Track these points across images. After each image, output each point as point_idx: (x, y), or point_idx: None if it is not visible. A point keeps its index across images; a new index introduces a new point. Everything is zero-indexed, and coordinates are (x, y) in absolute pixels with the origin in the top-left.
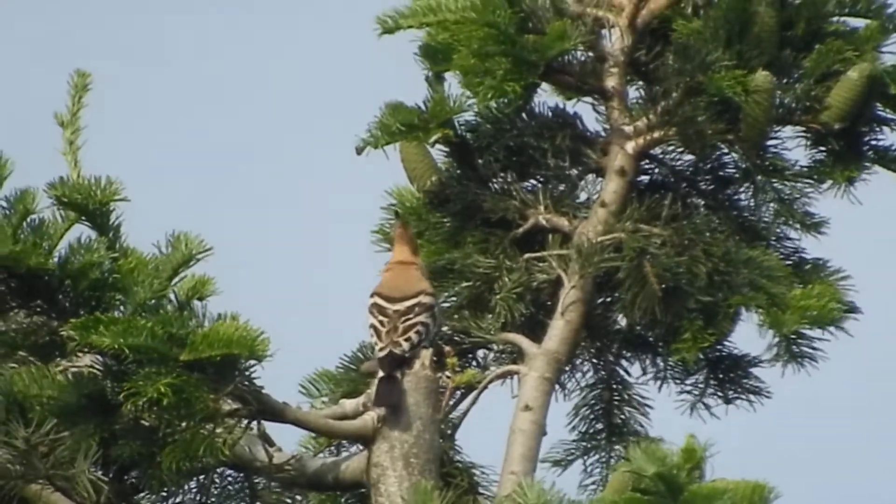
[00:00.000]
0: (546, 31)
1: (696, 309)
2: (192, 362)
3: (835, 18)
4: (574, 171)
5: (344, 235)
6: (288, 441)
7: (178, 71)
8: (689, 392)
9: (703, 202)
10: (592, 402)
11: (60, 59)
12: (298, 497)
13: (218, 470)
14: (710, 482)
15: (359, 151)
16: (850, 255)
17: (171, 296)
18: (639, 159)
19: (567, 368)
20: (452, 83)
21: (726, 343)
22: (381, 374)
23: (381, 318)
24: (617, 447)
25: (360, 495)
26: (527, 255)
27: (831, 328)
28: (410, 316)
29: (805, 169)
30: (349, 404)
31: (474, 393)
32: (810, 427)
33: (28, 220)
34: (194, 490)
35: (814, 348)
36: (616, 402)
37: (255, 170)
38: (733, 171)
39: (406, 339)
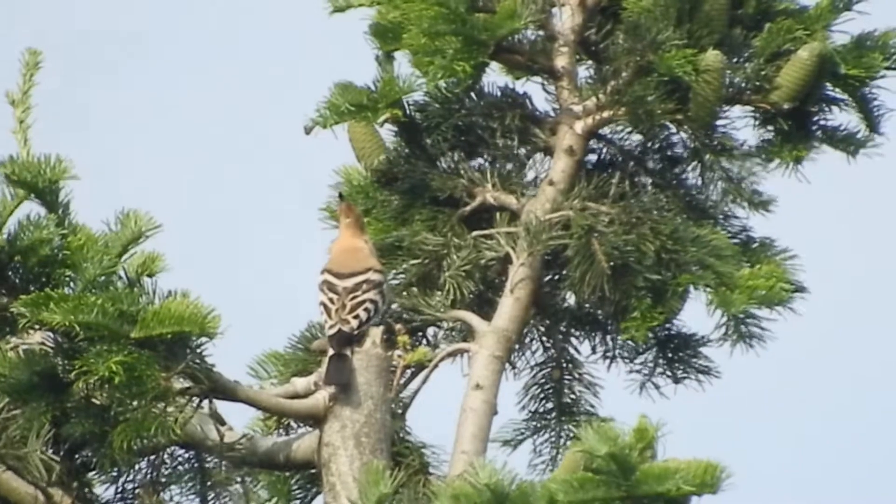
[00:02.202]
0: (496, 10)
1: (645, 287)
2: (143, 340)
3: None
4: (522, 151)
5: (289, 214)
6: (239, 420)
7: (133, 53)
8: (638, 371)
9: (650, 181)
10: (542, 380)
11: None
12: (248, 477)
13: (169, 449)
14: (661, 462)
15: (307, 131)
16: (797, 233)
17: (121, 273)
18: (587, 139)
19: (517, 347)
20: (402, 62)
21: (676, 322)
22: (330, 352)
23: (330, 295)
24: (567, 426)
25: (311, 475)
26: (475, 233)
27: (779, 308)
28: (358, 293)
29: (753, 148)
30: (300, 383)
31: (425, 371)
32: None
33: None
34: (145, 469)
35: (762, 328)
36: (566, 381)
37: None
38: (681, 150)
39: (354, 317)
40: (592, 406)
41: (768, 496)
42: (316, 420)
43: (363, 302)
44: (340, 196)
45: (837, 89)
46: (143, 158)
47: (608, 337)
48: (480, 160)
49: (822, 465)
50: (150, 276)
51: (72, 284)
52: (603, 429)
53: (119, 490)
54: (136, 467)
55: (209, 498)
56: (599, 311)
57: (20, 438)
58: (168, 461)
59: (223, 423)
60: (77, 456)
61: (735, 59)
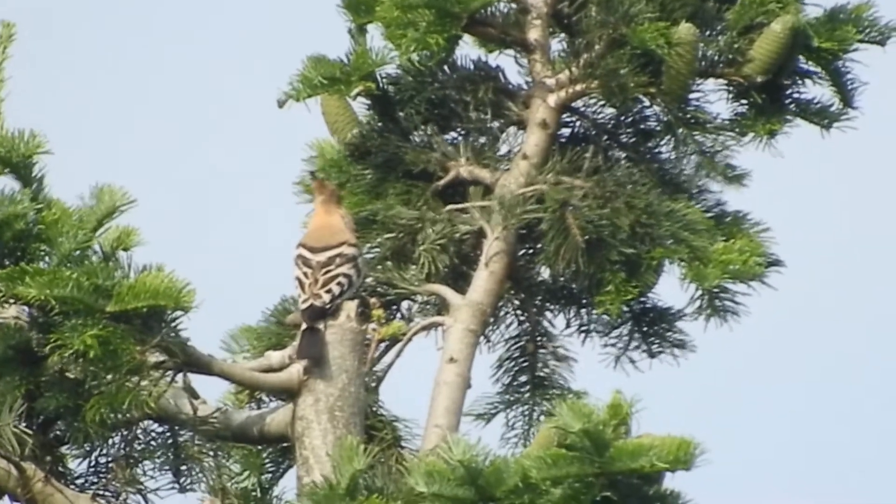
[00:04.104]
0: None
1: (619, 261)
2: (118, 314)
3: None
4: (496, 124)
5: (263, 188)
6: (213, 394)
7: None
8: (613, 345)
9: (624, 154)
10: (516, 354)
11: None
12: (221, 451)
13: (143, 423)
14: (635, 438)
15: (280, 104)
16: (770, 206)
17: (96, 247)
18: (561, 112)
19: (491, 320)
20: (375, 35)
21: (651, 296)
22: (303, 326)
23: (305, 269)
24: (541, 400)
25: (283, 448)
26: (449, 207)
27: (753, 283)
28: (331, 267)
29: (727, 122)
30: (275, 357)
31: (399, 345)
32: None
33: None
34: (118, 443)
35: (736, 302)
36: (540, 355)
37: (177, 123)
38: (655, 123)
39: (327, 291)
40: (566, 380)
41: (744, 473)
42: (290, 394)
43: (336, 276)
44: (312, 175)
45: (811, 62)
46: (112, 129)
47: (583, 311)
48: (454, 134)
49: (799, 440)
50: (125, 250)
51: (47, 259)
52: (577, 405)
53: (92, 464)
54: (110, 441)
55: (182, 472)
56: (574, 285)
57: None
58: (142, 435)
59: (197, 396)
60: (50, 430)
61: (708, 32)
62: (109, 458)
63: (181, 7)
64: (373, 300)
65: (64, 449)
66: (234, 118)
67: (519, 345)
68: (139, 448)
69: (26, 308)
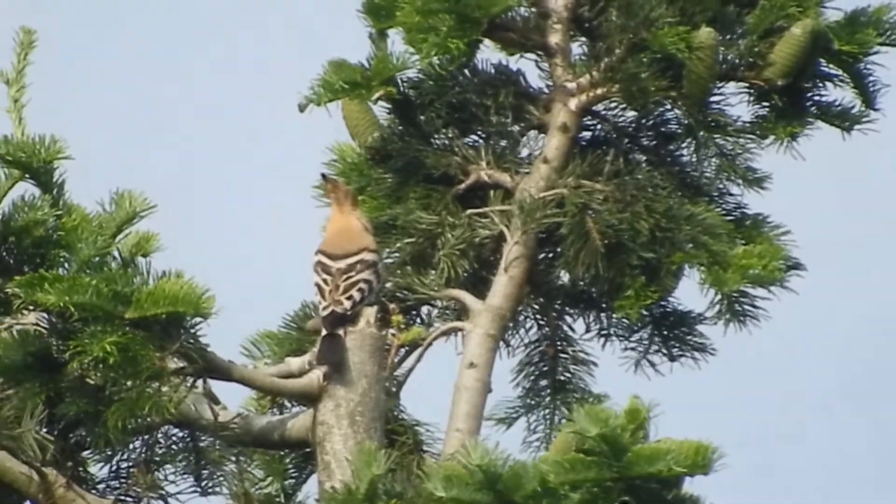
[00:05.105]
0: None
1: (639, 265)
2: (137, 320)
3: None
4: (516, 128)
5: (285, 193)
6: (234, 400)
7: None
8: (633, 349)
9: (645, 158)
10: (536, 358)
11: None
12: (242, 456)
13: (163, 428)
14: (653, 443)
15: (301, 109)
16: (791, 210)
17: (116, 253)
18: (581, 115)
19: (511, 325)
20: (396, 40)
21: (671, 299)
22: (323, 332)
23: (324, 276)
24: (561, 404)
25: (305, 454)
26: (469, 211)
27: (773, 287)
28: (352, 274)
29: (748, 125)
30: (295, 362)
31: (419, 350)
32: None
33: None
34: (139, 448)
35: (756, 307)
36: (560, 359)
37: (200, 127)
38: (676, 127)
39: (348, 298)
40: (587, 383)
41: (761, 477)
42: (310, 399)
43: (357, 283)
44: (323, 176)
45: (832, 65)
46: (129, 135)
47: (602, 315)
48: (474, 137)
49: (816, 447)
50: (144, 256)
51: (66, 265)
52: (594, 410)
53: (113, 469)
54: (131, 446)
55: (203, 477)
56: (593, 289)
57: (14, 419)
58: (162, 440)
59: (217, 402)
60: (71, 435)
61: (728, 36)
62: (130, 463)
63: (206, 13)
64: (392, 305)
65: (85, 454)
66: (252, 121)
67: (539, 349)
68: (160, 452)
69: (46, 314)
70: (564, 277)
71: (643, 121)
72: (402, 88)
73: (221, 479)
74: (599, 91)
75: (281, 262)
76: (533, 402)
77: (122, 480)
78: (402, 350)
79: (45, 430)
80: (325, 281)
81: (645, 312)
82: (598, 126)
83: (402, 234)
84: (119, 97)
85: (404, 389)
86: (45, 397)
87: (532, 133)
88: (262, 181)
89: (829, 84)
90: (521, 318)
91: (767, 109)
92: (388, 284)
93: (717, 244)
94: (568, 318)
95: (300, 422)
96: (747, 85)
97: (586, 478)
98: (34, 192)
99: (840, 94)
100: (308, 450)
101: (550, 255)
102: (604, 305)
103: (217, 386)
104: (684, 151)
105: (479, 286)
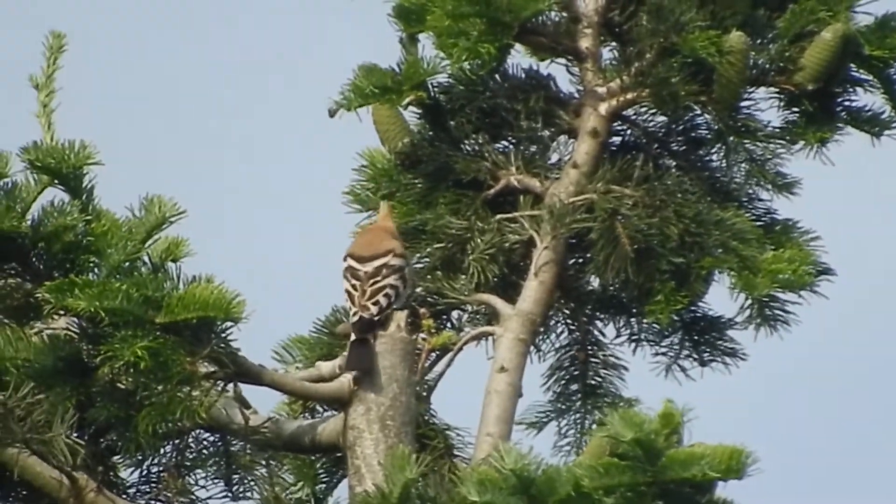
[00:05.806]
0: None
1: (669, 270)
2: (168, 325)
3: None
4: (546, 133)
5: (316, 197)
6: (264, 404)
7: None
8: (664, 354)
9: (674, 163)
10: (567, 363)
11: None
12: (273, 461)
13: (194, 433)
14: (687, 447)
15: (331, 114)
16: (820, 215)
17: (146, 258)
18: (611, 120)
19: (541, 330)
20: (426, 45)
21: (701, 304)
22: (352, 337)
23: (353, 281)
24: (592, 408)
25: (336, 458)
26: (499, 216)
27: (803, 292)
28: (378, 278)
29: (777, 130)
30: (325, 367)
31: (450, 354)
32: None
33: (1, 183)
34: (170, 452)
35: (786, 311)
36: (591, 363)
37: (229, 133)
38: (705, 132)
39: (374, 303)
40: (617, 388)
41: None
42: (341, 403)
43: (383, 287)
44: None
45: (862, 70)
46: (163, 139)
47: (633, 320)
48: (504, 143)
49: (846, 449)
50: (174, 261)
51: (96, 270)
52: (628, 414)
53: (144, 473)
54: (161, 451)
55: (234, 482)
56: (623, 294)
57: (45, 423)
58: (193, 445)
59: (248, 406)
60: (102, 440)
61: (759, 41)
62: (161, 468)
63: (231, 14)
64: (422, 310)
65: (116, 458)
66: (284, 125)
67: (569, 354)
68: (191, 457)
69: (76, 319)
70: (594, 282)
71: (673, 125)
72: (432, 93)
73: (252, 483)
74: (630, 96)
75: (312, 267)
76: (563, 407)
77: (153, 485)
78: (433, 354)
79: (75, 434)
80: (353, 286)
81: (675, 317)
82: (628, 131)
83: (431, 239)
84: (148, 102)
85: (435, 394)
86: (76, 402)
87: (562, 138)
88: (293, 185)
89: (858, 89)
90: (552, 322)
91: (797, 114)
92: (419, 289)
93: (746, 249)
94: (598, 323)
95: (331, 426)
96: (777, 90)
97: (620, 482)
98: (63, 198)
99: (870, 99)
100: (339, 454)
101: (580, 260)
102: (634, 310)
103: (248, 390)
104: (714, 156)
105: (509, 291)
